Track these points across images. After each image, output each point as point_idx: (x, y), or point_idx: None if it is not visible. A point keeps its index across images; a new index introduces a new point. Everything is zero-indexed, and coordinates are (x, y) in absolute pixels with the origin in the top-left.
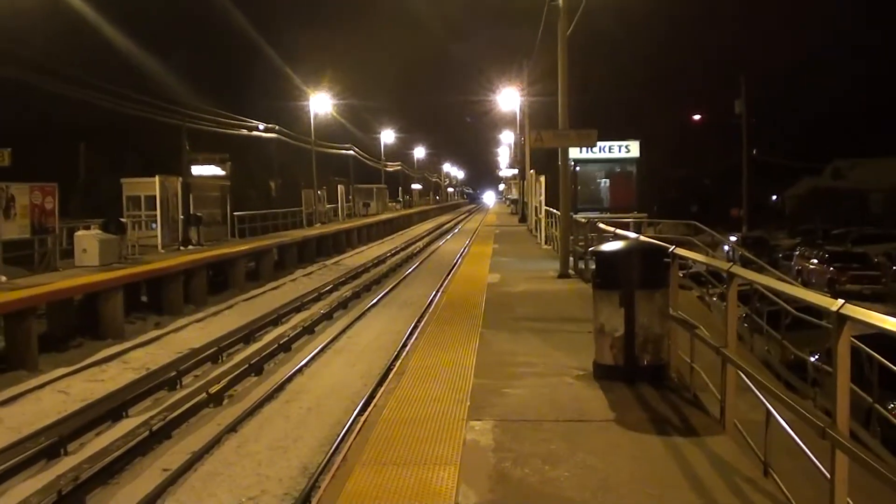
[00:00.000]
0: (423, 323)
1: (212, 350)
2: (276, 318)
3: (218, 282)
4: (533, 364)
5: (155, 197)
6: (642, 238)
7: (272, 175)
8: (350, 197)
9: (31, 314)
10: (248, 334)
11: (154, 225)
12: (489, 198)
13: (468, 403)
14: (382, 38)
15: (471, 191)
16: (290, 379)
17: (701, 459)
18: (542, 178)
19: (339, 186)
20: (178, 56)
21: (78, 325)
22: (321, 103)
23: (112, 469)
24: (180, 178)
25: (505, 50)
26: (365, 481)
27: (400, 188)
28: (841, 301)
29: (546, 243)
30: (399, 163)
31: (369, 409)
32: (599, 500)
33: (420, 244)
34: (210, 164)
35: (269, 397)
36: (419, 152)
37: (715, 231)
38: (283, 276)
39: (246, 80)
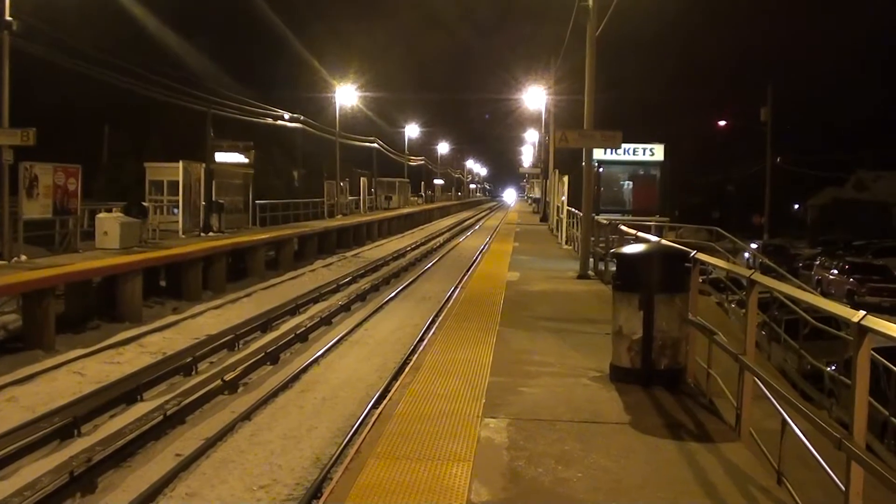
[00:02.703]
0: (440, 318)
1: (228, 337)
2: (293, 308)
3: (237, 269)
4: (550, 364)
5: (178, 182)
6: (664, 242)
7: (295, 165)
8: (372, 190)
9: (50, 294)
10: (265, 323)
11: (176, 210)
12: (510, 196)
13: (483, 401)
14: (408, 33)
15: (489, 187)
16: (305, 369)
17: (715, 466)
18: (566, 178)
19: (361, 179)
20: (205, 43)
21: (96, 307)
22: (346, 95)
23: (125, 452)
24: (204, 164)
25: (532, 48)
26: (378, 474)
27: (422, 183)
28: (862, 312)
29: (567, 243)
30: (422, 157)
31: (384, 402)
32: (611, 502)
33: (440, 239)
34: (234, 151)
35: (284, 387)
36: (443, 147)
37: (736, 238)
38: (302, 266)
39: (272, 70)
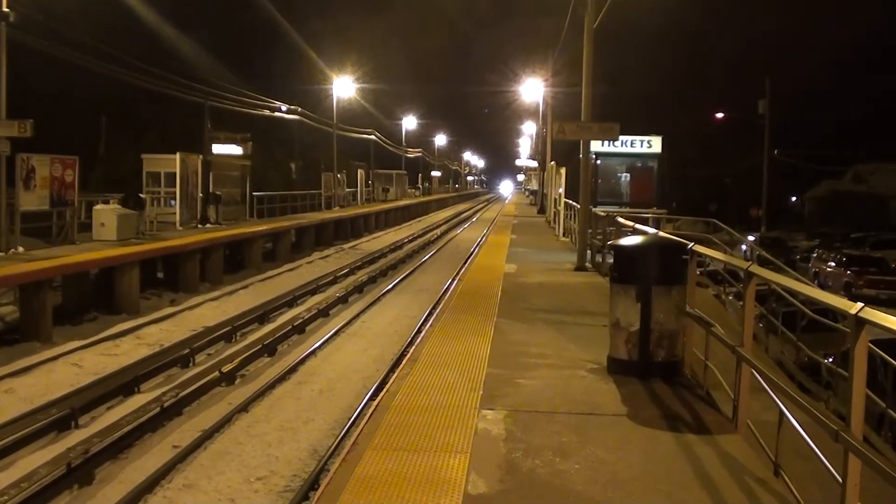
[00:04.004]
0: (438, 310)
1: (226, 329)
2: (291, 300)
3: (234, 261)
4: (547, 356)
5: (175, 174)
6: (661, 234)
7: (293, 157)
8: (370, 182)
9: (47, 286)
10: (262, 315)
11: (173, 202)
12: (506, 187)
13: (481, 392)
14: (406, 25)
15: (485, 179)
16: (302, 361)
17: (712, 458)
18: (563, 170)
19: (359, 171)
20: (203, 35)
21: (93, 298)
22: (344, 87)
23: (122, 444)
24: (201, 156)
25: (530, 39)
26: (375, 466)
27: (420, 175)
28: (860, 304)
29: (564, 235)
30: (420, 149)
31: (381, 394)
32: (609, 494)
33: (437, 231)
34: (231, 143)
35: (281, 378)
36: (440, 140)
37: (733, 230)
38: (299, 258)
39: (270, 62)
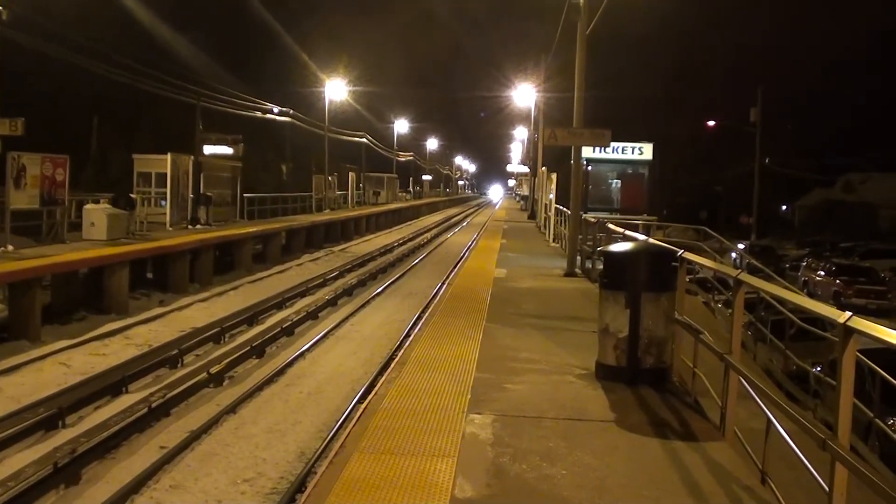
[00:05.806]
0: (427, 314)
1: (215, 330)
2: (280, 302)
3: (224, 262)
4: (535, 361)
5: (166, 174)
6: (651, 240)
7: (284, 159)
8: (361, 185)
9: (36, 285)
10: (251, 316)
11: (163, 202)
12: (496, 192)
13: (469, 397)
14: (399, 30)
15: (474, 183)
16: (291, 363)
17: (699, 465)
18: (554, 176)
19: (350, 174)
20: (196, 36)
21: (82, 298)
22: (336, 90)
23: (109, 444)
24: (192, 157)
25: (523, 45)
26: (362, 469)
27: (411, 178)
28: (848, 313)
29: (554, 241)
30: (411, 153)
31: (370, 397)
32: (595, 500)
33: (428, 235)
34: (222, 144)
35: (270, 380)
36: (431, 144)
37: (723, 238)
38: (289, 260)
39: (263, 64)
